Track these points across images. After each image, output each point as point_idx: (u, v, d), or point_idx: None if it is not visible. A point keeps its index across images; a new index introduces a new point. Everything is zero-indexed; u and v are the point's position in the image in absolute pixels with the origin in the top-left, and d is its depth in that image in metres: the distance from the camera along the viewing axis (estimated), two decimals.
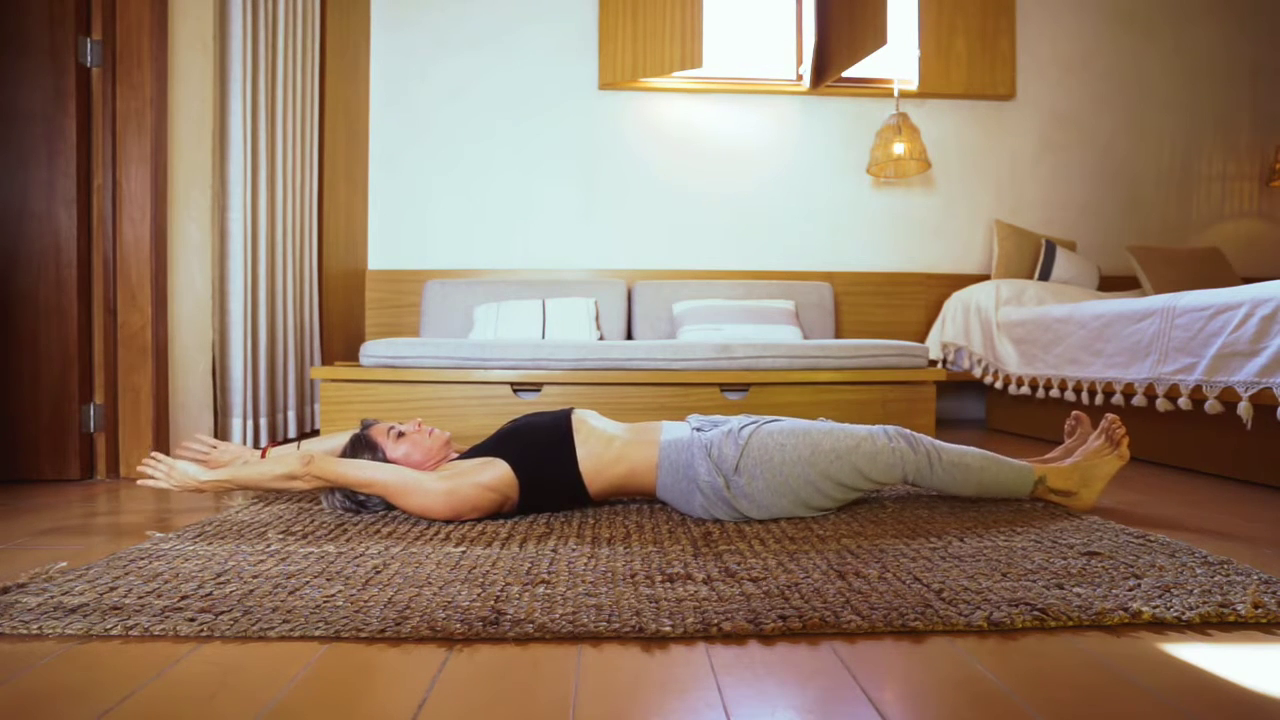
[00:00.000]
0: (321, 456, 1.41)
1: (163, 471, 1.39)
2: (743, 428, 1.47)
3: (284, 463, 1.39)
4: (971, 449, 1.53)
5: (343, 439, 1.63)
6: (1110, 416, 1.58)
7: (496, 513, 1.45)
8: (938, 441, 1.51)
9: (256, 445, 2.43)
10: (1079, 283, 3.36)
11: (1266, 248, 3.77)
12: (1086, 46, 3.66)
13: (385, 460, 1.47)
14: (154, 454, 1.42)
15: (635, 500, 1.66)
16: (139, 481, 1.41)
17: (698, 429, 1.51)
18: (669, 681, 0.78)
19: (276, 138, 2.58)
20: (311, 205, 2.88)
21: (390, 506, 1.50)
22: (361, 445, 1.49)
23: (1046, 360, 2.72)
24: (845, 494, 1.48)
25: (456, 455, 1.56)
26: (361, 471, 1.40)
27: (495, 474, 1.41)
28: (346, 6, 3.20)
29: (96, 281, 1.90)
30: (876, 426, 1.51)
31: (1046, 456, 1.68)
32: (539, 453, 1.45)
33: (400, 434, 1.50)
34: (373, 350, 2.41)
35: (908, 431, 1.50)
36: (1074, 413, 1.70)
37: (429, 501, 1.39)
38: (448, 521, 1.43)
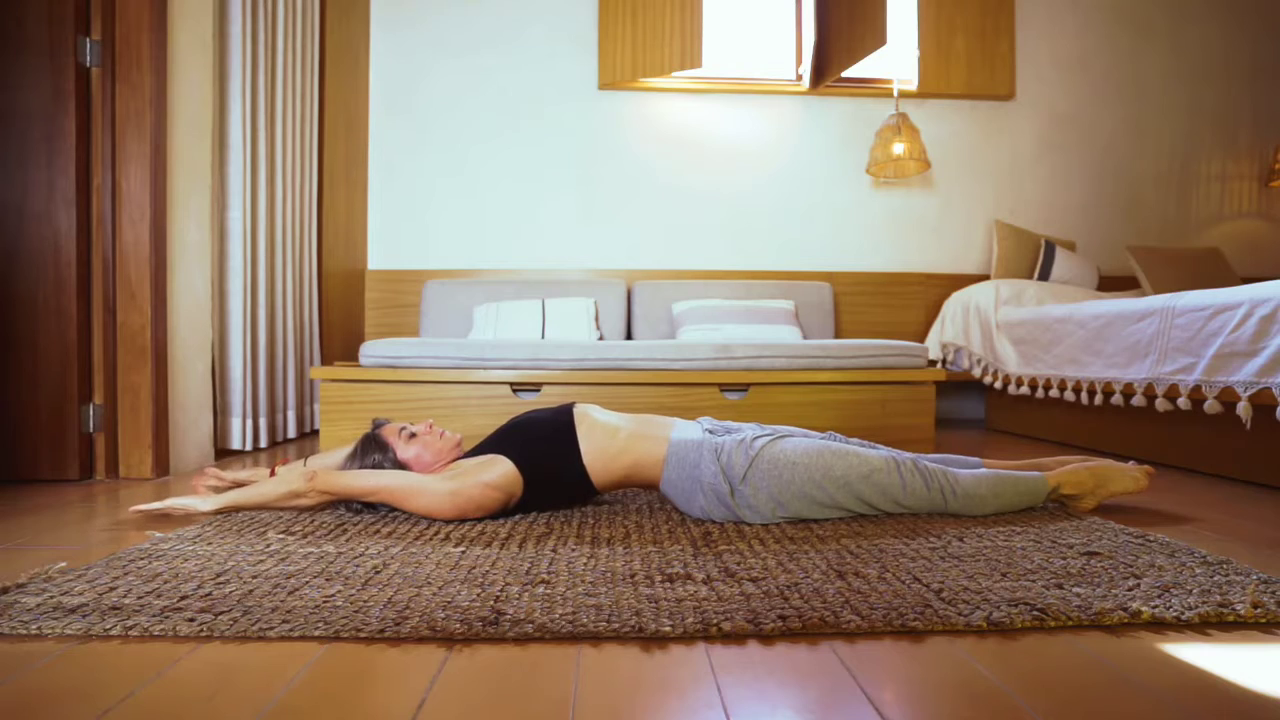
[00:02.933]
0: (324, 472, 1.41)
1: (155, 504, 1.43)
2: (755, 438, 1.46)
3: (288, 481, 1.41)
4: (984, 474, 1.50)
5: (346, 452, 1.63)
6: (1151, 472, 1.55)
7: (501, 510, 1.46)
8: (950, 471, 1.48)
9: (256, 446, 2.43)
10: (1078, 283, 3.36)
11: (1266, 248, 3.77)
12: (1086, 47, 3.66)
13: (395, 460, 1.47)
14: (137, 508, 1.44)
15: (635, 500, 1.66)
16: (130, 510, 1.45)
17: (710, 431, 1.51)
18: (669, 681, 0.78)
19: (276, 138, 2.58)
20: (311, 205, 2.88)
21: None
22: (372, 445, 1.49)
23: (1046, 360, 2.73)
24: (846, 515, 1.47)
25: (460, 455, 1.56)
26: (365, 481, 1.40)
27: (499, 472, 1.41)
28: (346, 7, 3.20)
29: (96, 281, 1.90)
30: (892, 455, 1.48)
31: (1061, 459, 1.68)
32: (542, 448, 1.45)
33: (412, 435, 1.50)
34: (372, 350, 2.41)
35: (924, 465, 1.48)
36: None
37: (434, 503, 1.39)
38: (449, 521, 1.43)
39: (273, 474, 1.63)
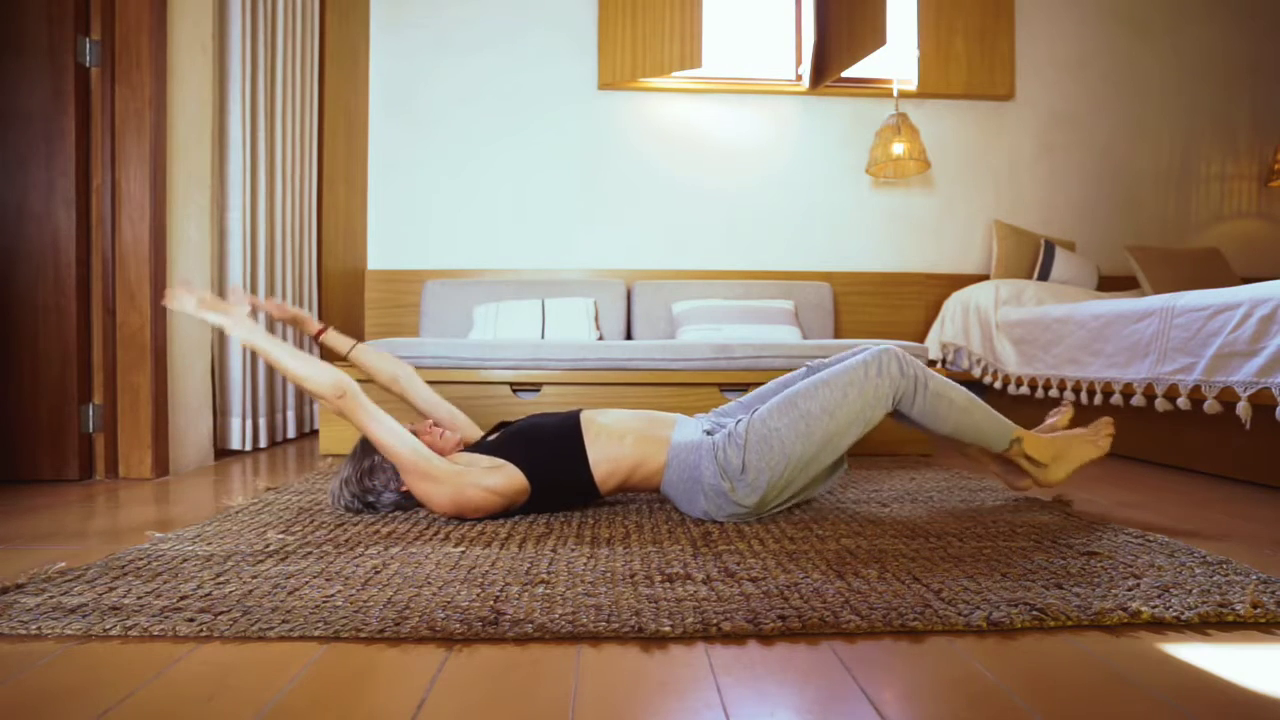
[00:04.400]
0: (354, 397, 1.34)
1: (190, 304, 1.32)
2: (738, 424, 1.46)
3: (320, 374, 1.32)
4: (961, 388, 1.49)
5: (390, 364, 1.69)
6: (1108, 420, 1.57)
7: (501, 514, 1.45)
8: (930, 370, 1.47)
9: (255, 445, 2.43)
10: (1078, 283, 3.36)
11: (1265, 248, 3.77)
12: (1085, 47, 3.66)
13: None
14: (179, 290, 1.33)
15: (635, 500, 1.66)
16: (164, 303, 1.34)
17: (708, 431, 1.51)
18: (668, 681, 0.78)
19: (276, 138, 2.58)
20: (311, 205, 2.88)
21: (398, 507, 1.50)
22: (372, 446, 1.48)
23: (1046, 360, 2.73)
24: (848, 443, 1.44)
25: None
26: (382, 432, 1.35)
27: (504, 479, 1.41)
28: (346, 8, 3.20)
29: (95, 281, 1.90)
30: (864, 354, 1.45)
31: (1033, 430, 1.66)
32: (549, 454, 1.44)
33: (412, 434, 1.49)
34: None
35: (901, 354, 1.45)
36: (1067, 403, 1.71)
37: (434, 492, 1.38)
38: (448, 520, 1.43)
39: (318, 337, 1.68)
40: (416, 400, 1.70)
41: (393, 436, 1.36)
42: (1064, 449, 1.55)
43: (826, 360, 1.60)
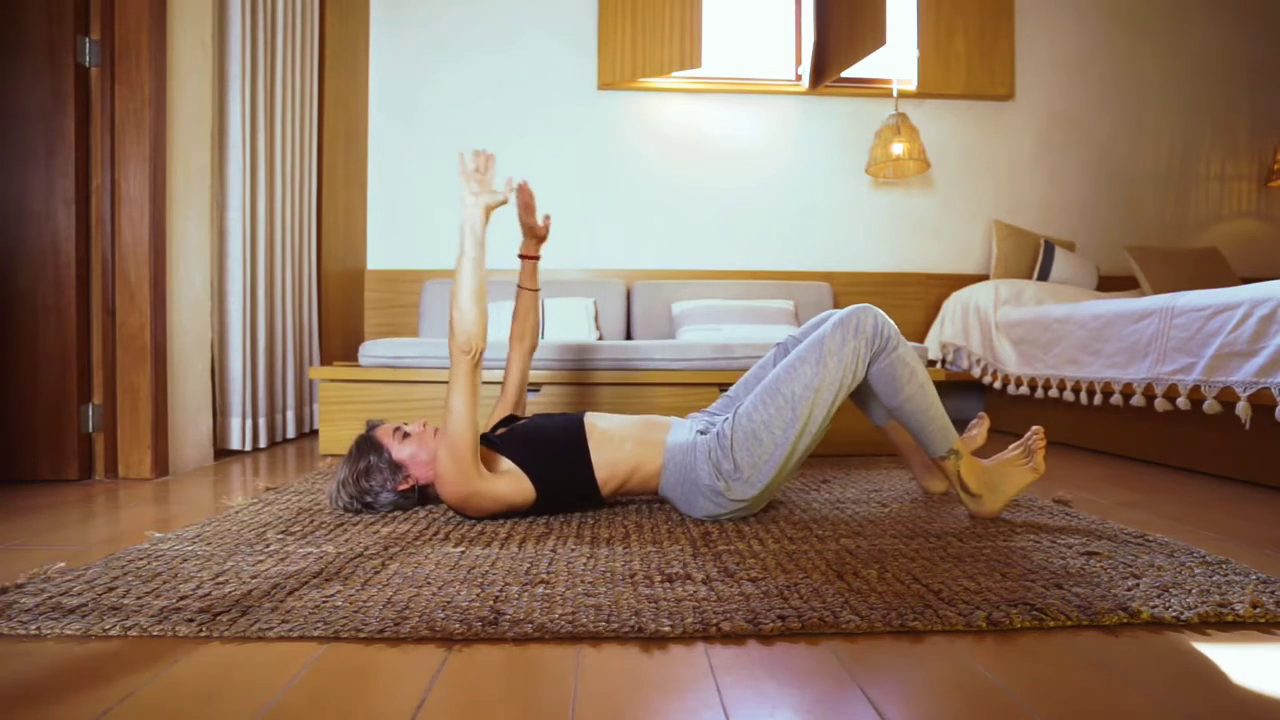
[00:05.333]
0: (474, 361, 1.36)
1: (464, 170, 1.43)
2: (724, 422, 1.46)
3: (473, 319, 1.36)
4: (925, 370, 1.46)
5: (534, 332, 1.76)
6: (1035, 429, 1.48)
7: (500, 515, 1.46)
8: (903, 338, 1.44)
9: (255, 445, 2.43)
10: (1077, 283, 3.36)
11: (1265, 248, 3.77)
12: (1085, 47, 3.66)
13: (391, 461, 1.46)
14: (477, 157, 1.45)
15: (635, 500, 1.66)
16: (466, 153, 1.44)
17: (701, 431, 1.51)
18: (668, 681, 0.78)
19: (275, 138, 2.58)
20: (310, 205, 2.88)
21: (397, 506, 1.51)
22: (367, 446, 1.48)
23: (1045, 360, 2.73)
24: (836, 408, 1.42)
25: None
26: (464, 406, 1.34)
27: (514, 489, 1.41)
28: (345, 8, 3.20)
29: (95, 281, 1.90)
30: (838, 316, 1.43)
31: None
32: (554, 459, 1.45)
33: (405, 434, 1.49)
34: (372, 350, 2.41)
35: (877, 311, 1.42)
36: (982, 414, 1.76)
37: (455, 481, 1.37)
38: (448, 520, 1.43)
39: (525, 257, 1.73)
40: (514, 370, 1.77)
41: (467, 416, 1.35)
42: (999, 479, 1.45)
43: (798, 334, 1.60)
